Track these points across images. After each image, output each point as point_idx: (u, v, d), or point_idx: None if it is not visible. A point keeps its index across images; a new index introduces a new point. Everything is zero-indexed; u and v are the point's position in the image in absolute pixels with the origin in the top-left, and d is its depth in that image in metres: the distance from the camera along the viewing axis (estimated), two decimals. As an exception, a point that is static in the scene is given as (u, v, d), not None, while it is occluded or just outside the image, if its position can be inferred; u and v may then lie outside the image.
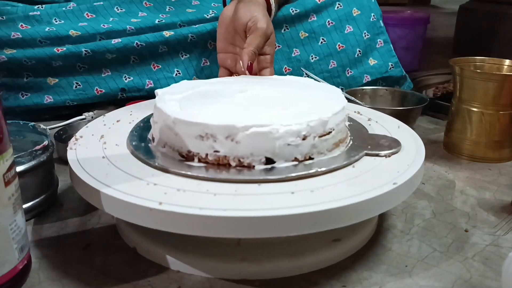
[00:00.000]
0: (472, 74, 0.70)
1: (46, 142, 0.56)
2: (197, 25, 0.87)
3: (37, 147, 0.54)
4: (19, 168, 0.51)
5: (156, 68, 0.88)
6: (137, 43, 0.84)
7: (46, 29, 0.83)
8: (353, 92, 0.85)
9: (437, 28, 1.93)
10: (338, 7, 0.90)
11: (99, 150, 0.50)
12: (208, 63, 0.89)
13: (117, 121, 0.58)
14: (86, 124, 0.59)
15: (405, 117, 0.70)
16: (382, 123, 0.58)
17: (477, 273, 0.46)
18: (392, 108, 0.85)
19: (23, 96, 0.84)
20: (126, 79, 0.87)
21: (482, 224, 0.54)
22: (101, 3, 0.88)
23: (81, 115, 0.83)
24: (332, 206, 0.39)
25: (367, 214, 0.42)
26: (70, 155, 0.49)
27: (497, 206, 0.58)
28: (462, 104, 0.72)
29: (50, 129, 0.66)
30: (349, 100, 0.77)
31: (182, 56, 0.88)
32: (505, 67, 0.75)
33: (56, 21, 0.84)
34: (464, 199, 0.60)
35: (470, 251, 0.49)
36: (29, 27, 0.83)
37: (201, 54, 0.89)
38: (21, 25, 0.83)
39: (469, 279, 0.45)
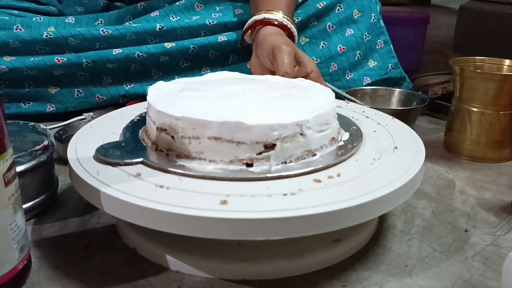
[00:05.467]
0: (472, 74, 0.70)
1: (46, 142, 0.56)
2: (199, 38, 0.87)
3: (37, 147, 0.54)
4: (19, 168, 0.51)
5: (157, 75, 0.88)
6: (138, 54, 0.84)
7: (44, 36, 0.82)
8: (353, 92, 0.85)
9: (437, 28, 1.93)
10: (338, 9, 0.90)
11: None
12: (209, 71, 0.89)
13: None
14: (86, 124, 0.59)
15: (405, 117, 0.69)
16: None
17: (477, 273, 0.46)
18: (392, 108, 0.86)
19: (25, 105, 0.85)
20: (127, 86, 0.87)
21: (482, 224, 0.54)
22: (101, 21, 0.89)
23: (81, 115, 0.83)
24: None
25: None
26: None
27: (497, 206, 0.58)
28: (462, 104, 0.72)
29: (50, 129, 0.66)
30: (349, 100, 0.77)
31: (183, 64, 0.88)
32: (505, 67, 0.75)
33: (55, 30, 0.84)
34: (464, 199, 0.60)
35: (470, 251, 0.49)
36: (27, 33, 0.83)
37: (202, 62, 0.89)
38: (20, 30, 0.83)
39: (469, 279, 0.45)
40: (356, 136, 0.53)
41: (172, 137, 0.46)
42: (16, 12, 0.88)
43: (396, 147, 0.51)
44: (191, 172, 0.44)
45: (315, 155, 0.48)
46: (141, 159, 0.46)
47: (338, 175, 0.45)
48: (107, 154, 0.47)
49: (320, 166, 0.46)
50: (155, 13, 0.91)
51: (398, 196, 0.44)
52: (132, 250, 0.48)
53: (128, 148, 0.49)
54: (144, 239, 0.47)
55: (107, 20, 0.91)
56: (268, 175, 0.44)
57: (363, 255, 0.48)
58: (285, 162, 0.46)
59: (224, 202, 0.40)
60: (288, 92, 0.54)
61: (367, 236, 0.50)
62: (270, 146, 0.45)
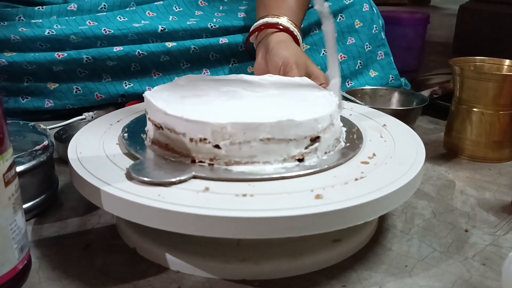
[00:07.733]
0: (472, 74, 0.70)
1: (46, 142, 0.56)
2: (201, 39, 0.87)
3: (37, 147, 0.54)
4: (19, 168, 0.51)
5: (157, 75, 0.88)
6: (138, 52, 0.84)
7: (46, 33, 0.82)
8: (353, 92, 0.85)
9: (437, 28, 1.93)
10: (340, 18, 0.91)
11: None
12: (209, 73, 0.89)
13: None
14: (86, 124, 0.59)
15: (405, 117, 0.69)
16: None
17: (477, 273, 0.46)
18: (392, 108, 0.86)
19: (23, 99, 0.85)
20: (126, 86, 0.87)
21: (482, 224, 0.54)
22: (104, 13, 0.88)
23: (81, 115, 0.83)
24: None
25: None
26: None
27: (497, 206, 0.58)
28: (462, 104, 0.72)
29: (50, 129, 0.66)
30: (349, 100, 0.77)
31: (183, 65, 0.88)
32: (505, 67, 0.75)
33: (57, 27, 0.84)
34: (464, 199, 0.60)
35: (470, 251, 0.49)
36: (29, 29, 0.83)
37: (202, 64, 0.89)
38: (21, 29, 0.82)
39: (469, 279, 0.45)
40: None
41: (216, 146, 0.45)
42: (21, 7, 0.87)
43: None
44: (261, 176, 0.44)
45: (340, 142, 0.51)
46: (192, 174, 0.44)
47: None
48: (152, 176, 0.43)
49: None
50: (159, 2, 0.90)
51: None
52: (132, 250, 0.48)
53: (166, 166, 0.46)
54: (144, 239, 0.47)
55: (110, 5, 0.90)
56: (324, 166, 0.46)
57: (363, 255, 0.48)
58: (327, 152, 0.48)
59: (318, 197, 0.41)
60: (289, 89, 0.55)
61: (367, 236, 0.50)
62: (314, 139, 0.47)
